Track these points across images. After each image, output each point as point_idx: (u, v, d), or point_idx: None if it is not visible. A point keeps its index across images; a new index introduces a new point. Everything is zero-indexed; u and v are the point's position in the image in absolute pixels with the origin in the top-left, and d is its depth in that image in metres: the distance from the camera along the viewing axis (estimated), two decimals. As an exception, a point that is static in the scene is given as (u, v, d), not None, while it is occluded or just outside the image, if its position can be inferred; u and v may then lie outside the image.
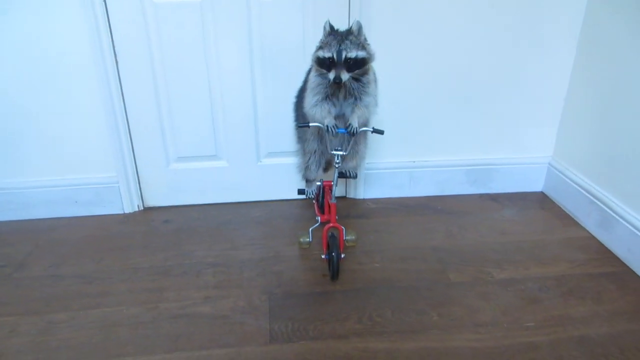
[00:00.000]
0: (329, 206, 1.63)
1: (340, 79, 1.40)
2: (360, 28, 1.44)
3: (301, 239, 1.77)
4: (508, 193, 2.18)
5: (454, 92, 1.97)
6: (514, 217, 1.98)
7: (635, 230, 1.63)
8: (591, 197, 1.85)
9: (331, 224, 1.60)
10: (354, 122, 1.49)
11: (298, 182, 1.98)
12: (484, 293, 1.54)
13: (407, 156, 2.07)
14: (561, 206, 2.05)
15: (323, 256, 1.66)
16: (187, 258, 1.73)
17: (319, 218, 1.79)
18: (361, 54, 1.43)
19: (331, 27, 1.46)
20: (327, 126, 1.48)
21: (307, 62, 1.85)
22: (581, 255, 1.74)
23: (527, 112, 2.04)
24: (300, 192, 1.85)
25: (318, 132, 1.66)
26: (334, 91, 1.50)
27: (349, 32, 1.43)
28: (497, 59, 1.92)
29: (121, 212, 2.03)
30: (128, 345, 1.34)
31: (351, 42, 1.41)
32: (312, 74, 1.53)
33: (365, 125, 1.54)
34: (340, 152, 1.53)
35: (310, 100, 1.53)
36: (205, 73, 1.85)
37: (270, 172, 2.06)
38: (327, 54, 1.42)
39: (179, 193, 2.06)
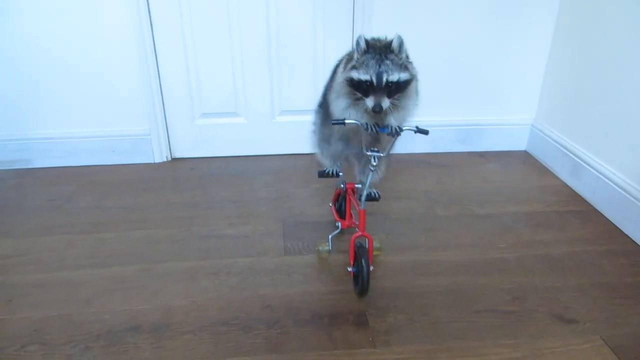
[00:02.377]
0: (350, 211, 1.51)
1: (381, 108, 1.23)
2: (401, 44, 1.26)
3: (320, 247, 1.60)
4: (495, 151, 2.44)
5: (446, 61, 2.22)
6: (498, 170, 2.25)
7: (600, 175, 1.89)
8: (565, 151, 2.11)
9: (359, 233, 1.40)
10: (393, 122, 1.32)
11: (308, 137, 2.24)
12: (465, 223, 1.81)
13: (405, 116, 2.33)
14: (541, 161, 2.31)
15: (350, 269, 1.46)
16: (212, 196, 2.01)
17: (340, 224, 1.64)
18: (403, 76, 1.25)
19: (367, 42, 1.26)
20: (367, 124, 1.31)
21: (315, 24, 2.12)
22: (553, 198, 2.00)
23: (512, 78, 2.29)
24: (321, 174, 1.61)
25: (344, 133, 1.49)
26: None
27: (388, 49, 1.25)
28: (484, 30, 2.17)
29: (152, 161, 2.31)
30: (167, 255, 1.62)
31: (392, 63, 1.24)
32: (341, 79, 1.34)
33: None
34: (378, 154, 1.35)
35: (340, 103, 1.36)
36: (228, 37, 2.12)
37: (283, 128, 2.33)
38: (364, 77, 1.24)
39: (203, 146, 2.34)
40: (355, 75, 1.25)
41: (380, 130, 1.31)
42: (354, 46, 1.29)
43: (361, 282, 1.37)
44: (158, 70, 2.15)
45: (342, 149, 1.54)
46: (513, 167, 2.27)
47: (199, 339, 1.27)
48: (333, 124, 1.33)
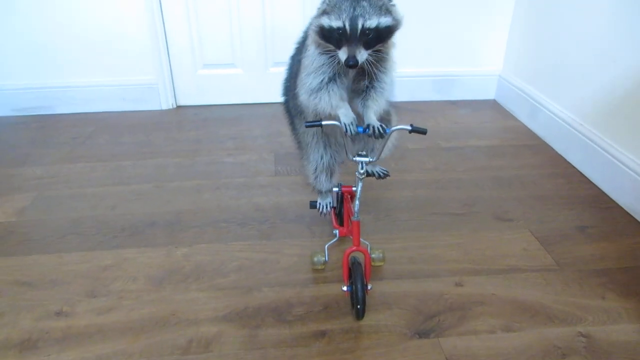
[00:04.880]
0: (350, 219, 1.29)
1: (356, 61, 1.02)
2: None
3: (314, 258, 1.38)
4: (466, 100, 2.72)
5: (421, 16, 2.48)
6: (467, 114, 2.53)
7: (551, 114, 2.17)
8: (525, 96, 2.39)
9: (354, 247, 1.21)
10: (373, 120, 1.13)
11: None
12: (431, 154, 2.10)
13: (385, 67, 2.61)
14: (506, 108, 2.60)
15: (344, 288, 1.23)
16: (213, 134, 2.30)
17: (337, 232, 1.42)
18: (384, 21, 1.05)
19: None
20: (344, 124, 1.11)
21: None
22: (511, 135, 2.29)
23: (481, 33, 2.56)
24: (312, 205, 1.50)
25: (323, 133, 1.32)
26: (342, 71, 1.12)
27: None
28: (456, -13, 2.44)
29: (159, 108, 2.59)
30: (176, 176, 1.92)
31: (370, 5, 1.03)
32: (312, 50, 1.14)
33: (387, 119, 1.17)
34: (366, 159, 1.14)
35: (310, 83, 1.14)
36: (226, -5, 2.38)
37: (277, 78, 2.59)
38: (336, 23, 1.03)
39: (204, 94, 2.62)
40: (325, 22, 1.05)
41: (358, 131, 1.12)
42: None
43: (356, 305, 1.19)
44: (164, 26, 2.42)
45: (323, 151, 1.36)
46: (480, 112, 2.55)
47: (204, 231, 1.58)
48: (307, 126, 1.14)
